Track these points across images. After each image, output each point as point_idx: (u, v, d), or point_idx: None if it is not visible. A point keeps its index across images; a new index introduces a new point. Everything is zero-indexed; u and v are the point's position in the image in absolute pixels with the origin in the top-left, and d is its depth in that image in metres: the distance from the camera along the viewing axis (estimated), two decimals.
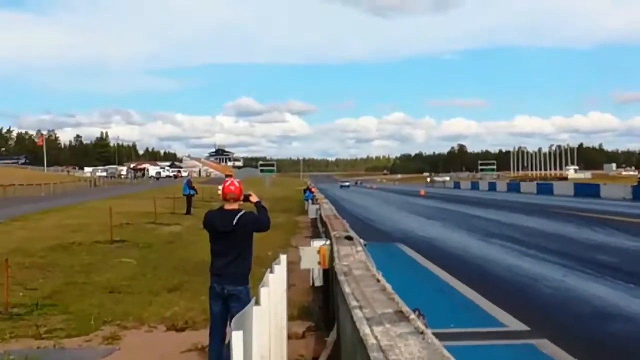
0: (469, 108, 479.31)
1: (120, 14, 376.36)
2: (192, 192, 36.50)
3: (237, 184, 7.67)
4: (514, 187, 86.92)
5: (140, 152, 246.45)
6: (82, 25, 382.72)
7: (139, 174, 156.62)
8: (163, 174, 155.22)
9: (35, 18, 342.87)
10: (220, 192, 7.73)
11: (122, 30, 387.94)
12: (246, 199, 7.76)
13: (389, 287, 6.09)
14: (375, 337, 4.07)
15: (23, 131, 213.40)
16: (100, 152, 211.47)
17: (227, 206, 7.61)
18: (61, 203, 43.05)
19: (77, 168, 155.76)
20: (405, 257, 20.20)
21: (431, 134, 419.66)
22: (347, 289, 6.06)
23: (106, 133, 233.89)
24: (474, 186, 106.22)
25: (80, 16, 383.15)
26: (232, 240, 7.46)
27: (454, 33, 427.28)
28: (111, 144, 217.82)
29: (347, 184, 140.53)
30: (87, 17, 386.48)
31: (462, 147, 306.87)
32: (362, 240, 11.48)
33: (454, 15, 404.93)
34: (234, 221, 7.42)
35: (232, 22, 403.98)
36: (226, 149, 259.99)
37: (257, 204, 7.88)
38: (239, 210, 7.56)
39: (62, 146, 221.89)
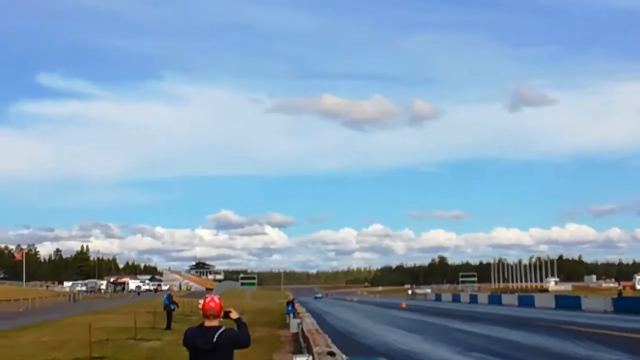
0: (448, 220, 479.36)
1: (97, 127, 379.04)
2: (173, 306, 36.18)
3: (217, 301, 7.71)
4: (495, 299, 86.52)
5: (121, 265, 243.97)
6: (59, 138, 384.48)
7: (119, 287, 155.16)
8: (143, 287, 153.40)
9: (12, 132, 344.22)
10: (201, 307, 7.78)
11: (99, 143, 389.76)
12: (226, 315, 7.78)
13: None
14: None
15: (2, 246, 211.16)
16: (80, 266, 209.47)
17: (207, 323, 7.64)
18: (40, 319, 42.50)
19: (56, 282, 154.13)
20: None
21: (411, 246, 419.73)
22: None
23: (86, 247, 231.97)
24: (455, 298, 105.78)
25: (57, 129, 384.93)
26: (213, 358, 7.47)
27: (431, 146, 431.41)
28: (91, 258, 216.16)
29: (319, 295, 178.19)
30: (65, 131, 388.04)
31: (442, 259, 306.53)
32: (344, 356, 11.49)
33: (431, 129, 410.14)
34: (215, 339, 7.44)
35: (210, 135, 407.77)
36: (206, 262, 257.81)
37: (237, 320, 7.91)
38: (219, 327, 7.59)
39: (42, 260, 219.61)
